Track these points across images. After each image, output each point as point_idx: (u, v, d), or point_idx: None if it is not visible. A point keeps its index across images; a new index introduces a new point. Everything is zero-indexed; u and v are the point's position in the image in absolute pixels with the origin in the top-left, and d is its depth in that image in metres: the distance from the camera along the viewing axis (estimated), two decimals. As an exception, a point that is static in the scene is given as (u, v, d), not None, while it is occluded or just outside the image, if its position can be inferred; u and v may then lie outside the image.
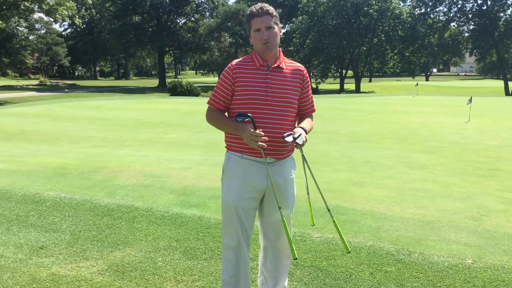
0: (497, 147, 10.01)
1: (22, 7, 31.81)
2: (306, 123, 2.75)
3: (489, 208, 5.18)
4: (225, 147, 2.79)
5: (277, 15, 2.67)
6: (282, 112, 2.63)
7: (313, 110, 2.87)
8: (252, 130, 2.51)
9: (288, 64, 2.73)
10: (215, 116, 2.73)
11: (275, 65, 2.66)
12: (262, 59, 2.65)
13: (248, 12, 2.67)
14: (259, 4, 2.65)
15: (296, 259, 2.69)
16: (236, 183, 2.68)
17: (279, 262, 2.87)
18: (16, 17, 43.11)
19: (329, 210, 2.75)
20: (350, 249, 2.69)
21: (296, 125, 2.76)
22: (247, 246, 2.79)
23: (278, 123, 2.61)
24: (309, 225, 4.45)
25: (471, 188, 6.15)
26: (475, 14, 50.46)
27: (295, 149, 2.71)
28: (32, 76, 71.29)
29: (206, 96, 34.04)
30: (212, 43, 56.79)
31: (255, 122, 2.55)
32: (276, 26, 2.63)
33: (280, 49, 2.73)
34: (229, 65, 2.70)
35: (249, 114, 2.54)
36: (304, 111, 2.82)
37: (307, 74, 2.80)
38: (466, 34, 56.34)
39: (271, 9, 2.63)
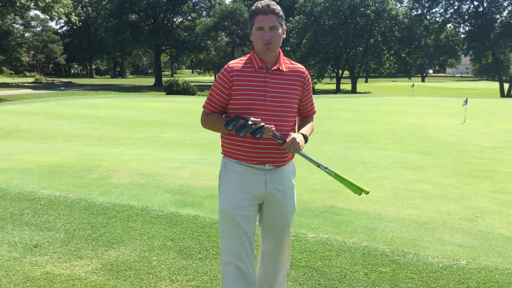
0: (492, 148, 10.05)
1: (18, 4, 31.65)
2: (306, 128, 2.65)
3: (484, 209, 5.20)
4: (221, 152, 2.65)
5: (283, 16, 2.50)
6: (281, 117, 2.50)
7: (314, 112, 2.77)
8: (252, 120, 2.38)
9: (288, 66, 2.58)
10: (211, 118, 2.57)
11: (275, 67, 2.51)
12: (261, 61, 2.50)
13: (252, 8, 2.48)
14: (265, 0, 2.46)
15: (368, 193, 2.66)
16: (233, 190, 2.54)
17: (277, 269, 2.78)
18: (12, 14, 42.98)
19: (326, 168, 2.69)
20: (368, 190, 2.64)
21: (295, 128, 2.66)
22: (251, 256, 2.60)
23: (277, 128, 2.46)
24: (304, 225, 4.45)
25: (465, 189, 6.17)
26: (471, 15, 50.64)
27: (296, 154, 2.59)
28: (27, 74, 71.12)
29: (203, 95, 34.01)
30: (209, 42, 56.70)
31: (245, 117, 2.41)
32: (280, 27, 2.47)
33: (280, 50, 2.56)
34: (225, 66, 2.53)
35: (239, 115, 2.40)
36: (305, 113, 2.72)
37: (309, 76, 2.66)
38: (462, 36, 56.60)
39: (277, 8, 2.46)
